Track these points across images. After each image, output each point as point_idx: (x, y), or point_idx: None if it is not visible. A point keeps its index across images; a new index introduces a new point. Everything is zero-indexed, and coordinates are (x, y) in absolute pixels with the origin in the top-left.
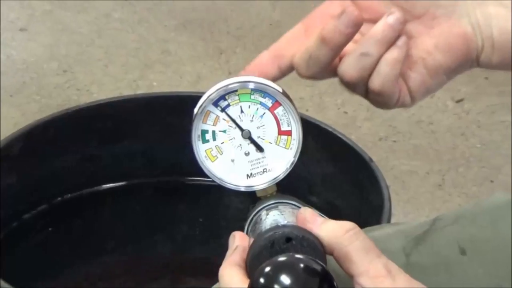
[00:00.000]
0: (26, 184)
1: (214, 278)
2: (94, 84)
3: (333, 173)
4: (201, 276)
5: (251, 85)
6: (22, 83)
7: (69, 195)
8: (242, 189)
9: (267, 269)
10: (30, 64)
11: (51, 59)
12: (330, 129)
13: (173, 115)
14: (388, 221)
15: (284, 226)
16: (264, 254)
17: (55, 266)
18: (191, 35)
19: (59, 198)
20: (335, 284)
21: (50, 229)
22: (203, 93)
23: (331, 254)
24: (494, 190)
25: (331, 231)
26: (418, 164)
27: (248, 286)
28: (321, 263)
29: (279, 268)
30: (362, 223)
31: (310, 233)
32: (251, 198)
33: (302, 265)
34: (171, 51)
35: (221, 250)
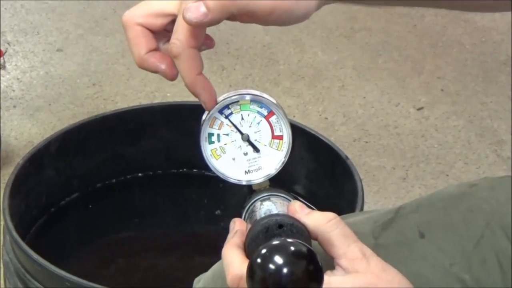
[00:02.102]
0: (62, 177)
1: (216, 255)
2: (118, 95)
3: (315, 168)
4: (206, 252)
5: (249, 97)
6: (59, 94)
7: (98, 185)
8: (241, 183)
9: (264, 251)
10: (65, 79)
11: (82, 74)
12: (313, 132)
13: (184, 120)
14: (361, 208)
15: (277, 215)
16: (261, 237)
17: (85, 243)
18: None
19: (90, 189)
20: (320, 263)
21: (84, 207)
22: None
23: (316, 239)
24: (448, 182)
25: (316, 220)
26: (386, 160)
27: (248, 265)
28: (309, 246)
29: (274, 250)
30: (339, 211)
31: (298, 221)
32: (248, 190)
33: (292, 248)
34: None
35: (223, 230)
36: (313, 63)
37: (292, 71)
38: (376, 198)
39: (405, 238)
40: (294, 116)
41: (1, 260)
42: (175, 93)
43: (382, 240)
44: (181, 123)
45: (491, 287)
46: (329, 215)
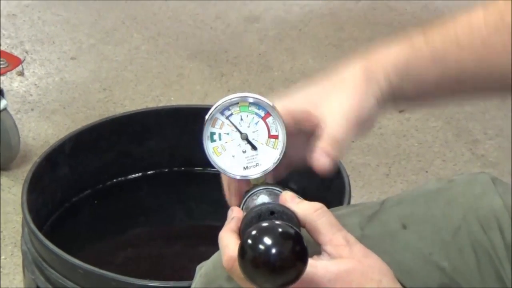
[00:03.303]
0: (75, 174)
1: (216, 245)
2: (126, 99)
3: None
4: (207, 242)
5: (250, 100)
6: (73, 98)
7: (109, 182)
8: (240, 177)
9: (254, 232)
10: (79, 84)
11: (94, 80)
12: None
13: (186, 122)
14: (349, 202)
15: (269, 203)
16: (253, 222)
17: (96, 237)
18: (200, 62)
19: (101, 185)
20: (305, 244)
21: (95, 201)
22: (211, 106)
23: (304, 226)
24: (428, 178)
25: (305, 209)
26: (371, 158)
27: (239, 245)
28: (295, 228)
29: (263, 232)
30: (329, 204)
31: (289, 209)
32: (247, 184)
33: (280, 229)
34: (184, 74)
35: (222, 222)
36: (304, 70)
37: (285, 77)
38: (362, 193)
39: (388, 229)
40: None
41: (20, 249)
42: (179, 98)
43: (368, 231)
44: (184, 125)
45: (467, 274)
46: (317, 205)
